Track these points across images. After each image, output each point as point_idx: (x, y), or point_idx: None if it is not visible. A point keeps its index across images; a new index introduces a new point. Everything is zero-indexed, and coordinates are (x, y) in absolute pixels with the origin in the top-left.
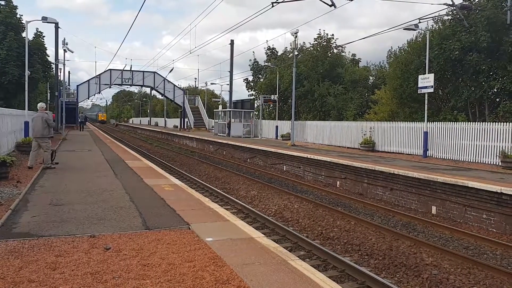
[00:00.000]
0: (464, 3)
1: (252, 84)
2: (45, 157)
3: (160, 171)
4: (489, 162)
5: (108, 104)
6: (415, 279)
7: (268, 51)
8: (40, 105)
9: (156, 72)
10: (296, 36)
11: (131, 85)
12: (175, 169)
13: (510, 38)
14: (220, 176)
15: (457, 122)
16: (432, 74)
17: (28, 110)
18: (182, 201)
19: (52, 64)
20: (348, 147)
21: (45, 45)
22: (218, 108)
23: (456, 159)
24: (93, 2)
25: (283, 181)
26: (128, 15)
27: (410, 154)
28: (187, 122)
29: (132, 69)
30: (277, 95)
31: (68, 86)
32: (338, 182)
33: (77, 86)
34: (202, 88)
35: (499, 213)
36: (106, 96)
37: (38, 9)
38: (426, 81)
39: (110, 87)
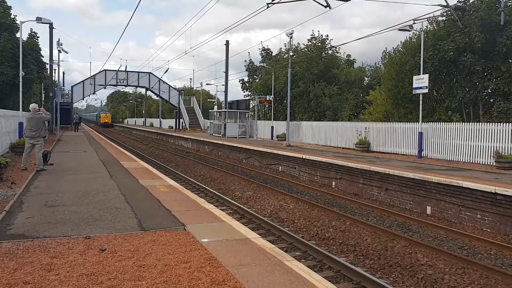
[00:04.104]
0: (458, 4)
1: (247, 84)
2: (38, 159)
3: (155, 172)
4: (483, 162)
5: (103, 104)
6: (410, 279)
7: (263, 52)
8: (32, 106)
9: (151, 73)
10: (291, 37)
11: (126, 86)
12: (171, 170)
13: (504, 38)
14: (215, 177)
15: (452, 123)
16: (427, 75)
17: (22, 111)
18: (177, 202)
19: (46, 64)
20: (343, 148)
21: (39, 46)
22: (213, 109)
23: (450, 159)
24: (85, 2)
25: (279, 181)
26: (120, 15)
27: (405, 155)
28: (182, 122)
29: (127, 69)
30: (272, 96)
31: (62, 87)
32: (333, 183)
33: (72, 87)
34: (197, 89)
35: (494, 213)
36: (101, 97)
37: (31, 9)
38: (421, 81)
39: (105, 88)
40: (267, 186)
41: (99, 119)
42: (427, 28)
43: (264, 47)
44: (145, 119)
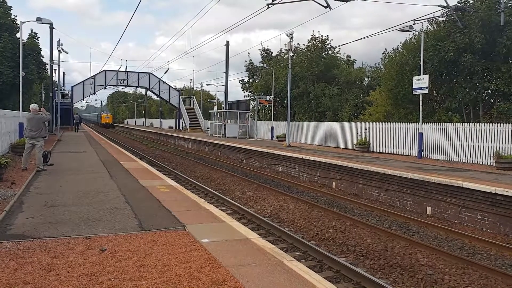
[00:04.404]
0: (458, 4)
1: (247, 85)
2: (38, 159)
3: (155, 172)
4: (483, 163)
5: (103, 104)
6: (410, 280)
7: (263, 52)
8: (33, 106)
9: (151, 73)
10: (291, 38)
11: (126, 86)
12: (171, 170)
13: (504, 39)
14: (215, 177)
15: (452, 123)
16: (427, 75)
17: (23, 111)
18: (177, 202)
19: (46, 65)
20: (343, 148)
21: (40, 46)
22: (213, 109)
23: (450, 159)
24: (85, 3)
25: (279, 182)
26: (120, 16)
27: (405, 155)
28: (182, 123)
29: (127, 70)
30: (272, 96)
31: (62, 87)
32: (333, 183)
33: (72, 87)
34: (198, 89)
35: (494, 213)
36: (101, 97)
37: (31, 9)
38: (421, 82)
39: (105, 88)
40: (267, 186)
41: (100, 119)
42: (427, 28)
43: (264, 47)
44: (145, 120)
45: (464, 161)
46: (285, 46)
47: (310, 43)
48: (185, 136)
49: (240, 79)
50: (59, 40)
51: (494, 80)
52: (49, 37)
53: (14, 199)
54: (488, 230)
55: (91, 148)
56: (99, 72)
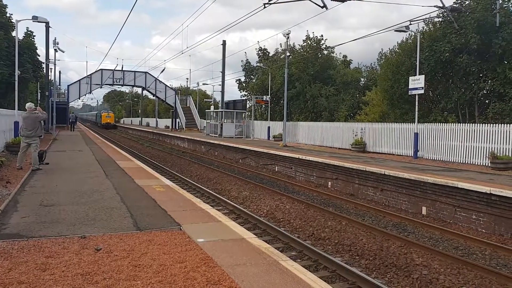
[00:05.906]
0: (454, 5)
1: (244, 84)
2: (33, 158)
3: (151, 172)
4: (478, 163)
5: (99, 104)
6: (406, 279)
7: (259, 52)
8: (28, 105)
9: (147, 72)
10: (288, 37)
11: (122, 85)
12: (167, 170)
13: (500, 40)
14: (211, 177)
15: (447, 124)
16: (423, 76)
17: (18, 110)
18: (173, 201)
19: (42, 63)
20: (339, 148)
21: (35, 45)
22: (210, 109)
23: (446, 160)
24: (81, 1)
25: (275, 181)
26: (116, 15)
27: (400, 155)
28: (178, 122)
29: (123, 69)
30: (269, 96)
31: (58, 86)
32: (329, 183)
33: (68, 86)
34: (194, 89)
35: (488, 213)
36: (97, 96)
37: (26, 8)
38: (417, 82)
39: (101, 87)
40: (263, 186)
41: (100, 119)
42: (423, 29)
43: (261, 47)
44: (141, 119)
45: (459, 161)
46: (281, 46)
47: (305, 43)
48: (181, 136)
49: (237, 78)
50: (55, 39)
51: (490, 81)
52: (45, 35)
53: (9, 198)
54: (483, 230)
55: (87, 147)
56: (95, 71)
